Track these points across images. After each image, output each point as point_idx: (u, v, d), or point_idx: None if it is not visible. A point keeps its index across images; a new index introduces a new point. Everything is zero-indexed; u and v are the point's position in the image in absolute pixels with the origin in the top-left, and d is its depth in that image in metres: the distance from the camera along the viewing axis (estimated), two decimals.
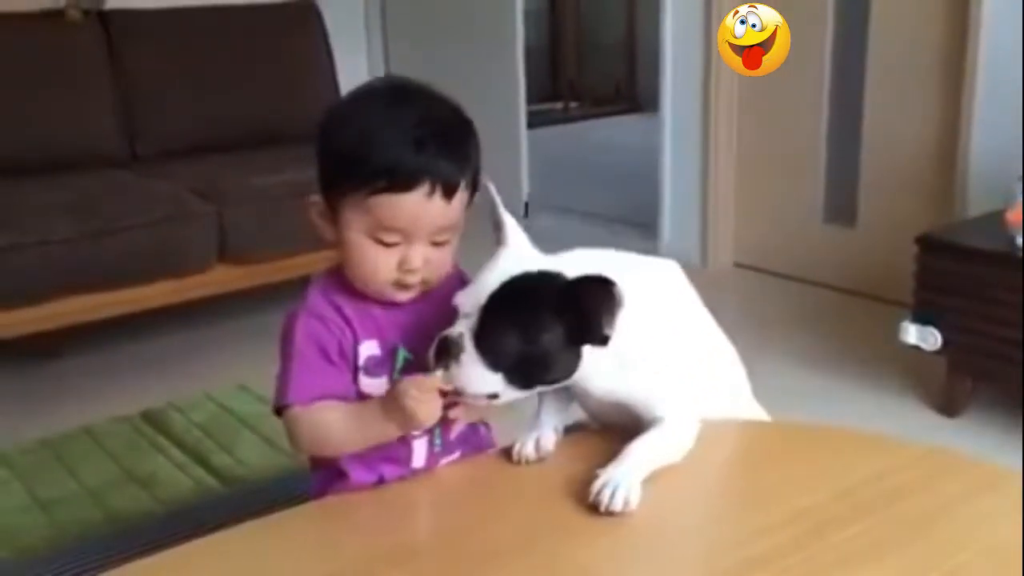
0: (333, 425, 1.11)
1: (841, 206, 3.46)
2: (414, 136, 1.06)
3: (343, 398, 1.12)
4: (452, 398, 1.07)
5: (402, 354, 1.15)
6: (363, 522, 1.12)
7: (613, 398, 1.15)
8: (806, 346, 2.98)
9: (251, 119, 3.67)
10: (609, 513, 1.02)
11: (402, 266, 1.10)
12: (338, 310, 1.13)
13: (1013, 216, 2.34)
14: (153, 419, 2.40)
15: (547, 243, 1.15)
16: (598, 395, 1.15)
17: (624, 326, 1.07)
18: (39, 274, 2.70)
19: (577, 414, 1.25)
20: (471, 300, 1.06)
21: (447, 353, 1.04)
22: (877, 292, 3.24)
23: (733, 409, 1.30)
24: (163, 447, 2.26)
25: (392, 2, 4.84)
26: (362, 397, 1.13)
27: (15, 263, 2.67)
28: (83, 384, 2.83)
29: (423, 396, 1.05)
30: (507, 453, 1.17)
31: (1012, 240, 2.34)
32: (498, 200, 1.14)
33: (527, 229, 1.15)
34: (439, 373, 1.05)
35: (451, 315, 1.10)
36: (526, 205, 4.45)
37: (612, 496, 1.02)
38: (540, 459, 1.16)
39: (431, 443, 1.18)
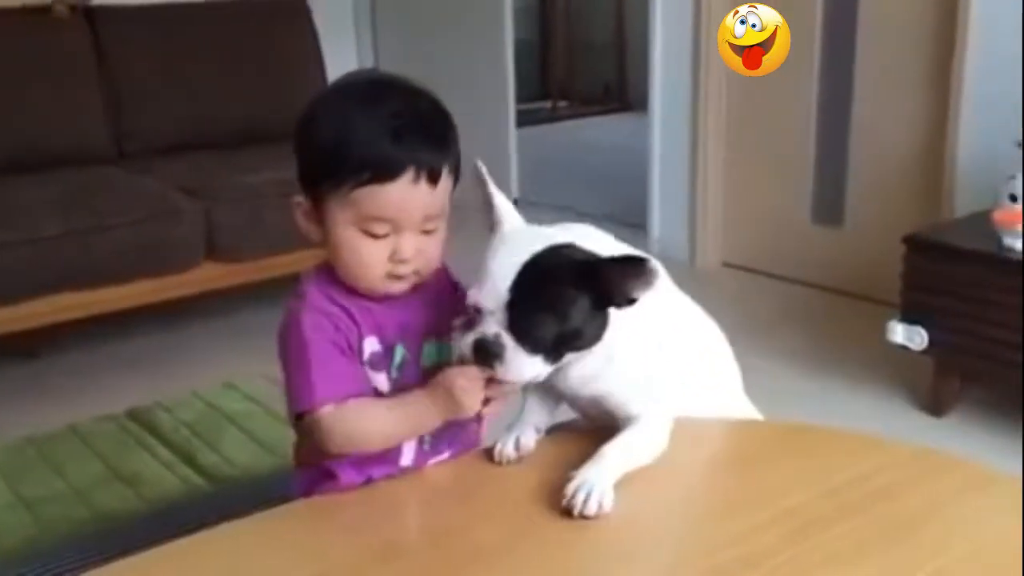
0: (375, 421, 1.10)
1: (829, 206, 3.47)
2: (393, 127, 1.07)
3: (367, 393, 1.11)
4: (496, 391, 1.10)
5: (400, 351, 1.14)
6: (350, 521, 1.11)
7: (594, 392, 1.15)
8: (793, 346, 2.99)
9: (239, 116, 3.65)
10: (583, 517, 1.02)
11: (393, 257, 1.09)
12: (339, 305, 1.12)
13: (1000, 216, 2.35)
14: (140, 417, 2.38)
15: None
16: (583, 389, 1.15)
17: (616, 319, 1.07)
18: (25, 272, 2.69)
19: (566, 413, 1.25)
20: (491, 296, 1.05)
21: (489, 354, 1.05)
22: (865, 292, 3.25)
23: (728, 406, 1.30)
24: (150, 445, 2.24)
25: (381, 0, 4.83)
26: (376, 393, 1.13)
27: (1, 261, 2.65)
28: (69, 383, 2.82)
29: (470, 385, 1.07)
30: (490, 453, 1.17)
31: (999, 240, 2.35)
32: (489, 179, 1.14)
33: None
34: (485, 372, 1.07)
35: (445, 311, 1.12)
36: (515, 203, 4.41)
37: (586, 500, 1.02)
38: (520, 459, 1.16)
39: (420, 442, 1.17)
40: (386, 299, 1.13)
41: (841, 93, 3.35)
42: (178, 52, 3.62)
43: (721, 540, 1.04)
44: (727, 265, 3.78)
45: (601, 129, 6.84)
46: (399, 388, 1.14)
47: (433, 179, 1.08)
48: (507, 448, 1.16)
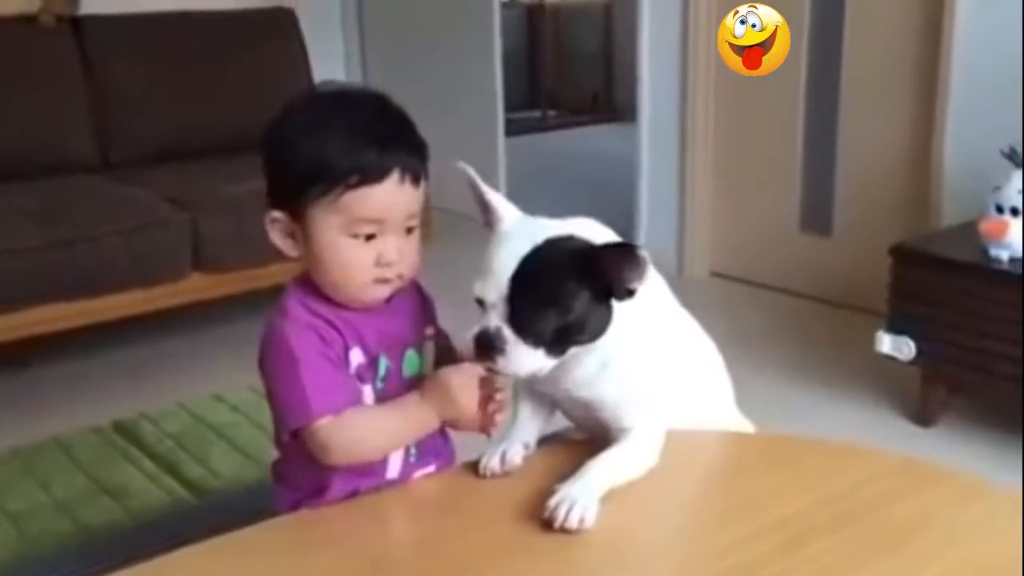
0: (372, 429, 1.11)
1: (817, 216, 3.48)
2: (375, 132, 1.10)
3: (359, 403, 1.12)
4: (489, 390, 1.11)
5: (384, 362, 1.14)
6: (336, 535, 1.10)
7: (588, 398, 1.15)
8: (781, 355, 2.99)
9: (226, 126, 3.63)
10: (564, 531, 1.01)
11: (380, 261, 1.11)
12: (322, 317, 1.12)
13: (986, 227, 2.36)
14: (125, 429, 2.36)
15: None
16: (576, 394, 1.15)
17: (614, 324, 1.07)
18: (9, 282, 2.66)
19: (559, 422, 1.24)
20: (493, 289, 1.06)
21: (491, 348, 1.06)
22: (852, 301, 3.26)
23: (720, 418, 1.30)
24: (135, 458, 2.23)
25: (369, 9, 4.83)
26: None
27: None
28: (53, 394, 2.79)
29: (466, 382, 1.09)
30: (475, 466, 1.16)
31: (985, 251, 2.36)
32: (479, 179, 1.15)
33: None
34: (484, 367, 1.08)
35: (420, 321, 1.14)
36: None
37: (567, 514, 1.02)
38: (505, 473, 1.15)
39: (407, 453, 1.17)
40: (365, 310, 1.13)
41: (828, 103, 3.36)
42: (165, 61, 3.61)
43: (714, 551, 1.04)
44: (715, 275, 3.79)
45: (589, 138, 6.85)
46: (383, 399, 1.14)
47: (415, 180, 1.12)
48: (492, 462, 1.15)
